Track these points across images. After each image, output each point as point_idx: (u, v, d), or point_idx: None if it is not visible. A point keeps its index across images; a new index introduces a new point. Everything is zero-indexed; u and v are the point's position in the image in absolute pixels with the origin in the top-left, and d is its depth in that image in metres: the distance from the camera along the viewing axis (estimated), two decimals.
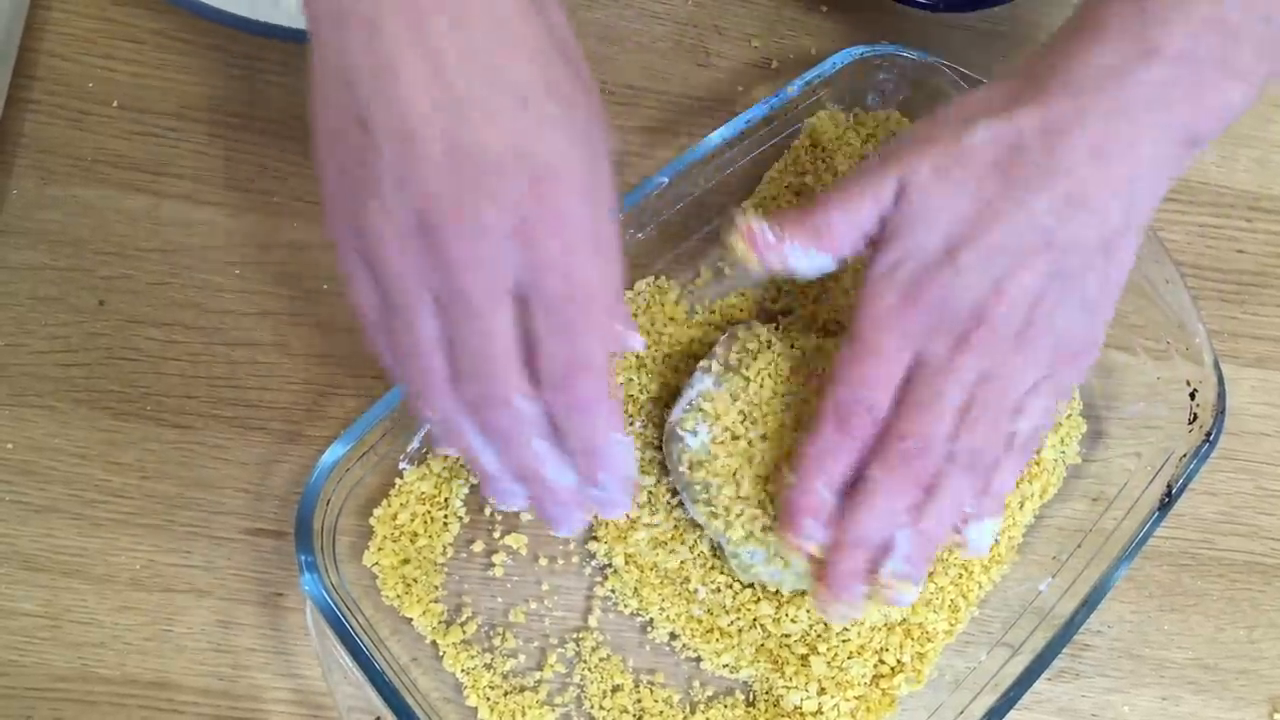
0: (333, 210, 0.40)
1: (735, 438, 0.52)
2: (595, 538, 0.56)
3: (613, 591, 0.56)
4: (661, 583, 0.55)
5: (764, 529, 0.51)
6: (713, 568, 0.55)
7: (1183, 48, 0.43)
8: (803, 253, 0.47)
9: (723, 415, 0.52)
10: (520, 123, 0.38)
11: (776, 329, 0.56)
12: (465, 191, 0.38)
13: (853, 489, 0.47)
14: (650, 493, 0.56)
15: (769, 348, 0.53)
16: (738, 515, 0.51)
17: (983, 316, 0.45)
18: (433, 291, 0.40)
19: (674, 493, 0.56)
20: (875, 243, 0.47)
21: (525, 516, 0.56)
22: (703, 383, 0.53)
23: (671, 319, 0.58)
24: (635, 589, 0.55)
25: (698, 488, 0.52)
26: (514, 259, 0.39)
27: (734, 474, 0.51)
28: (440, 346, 0.41)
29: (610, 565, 0.56)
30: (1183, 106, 0.44)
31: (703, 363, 0.54)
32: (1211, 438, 0.54)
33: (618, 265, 0.42)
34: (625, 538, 0.55)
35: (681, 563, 0.55)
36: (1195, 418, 0.55)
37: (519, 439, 0.43)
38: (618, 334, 0.43)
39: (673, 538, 0.55)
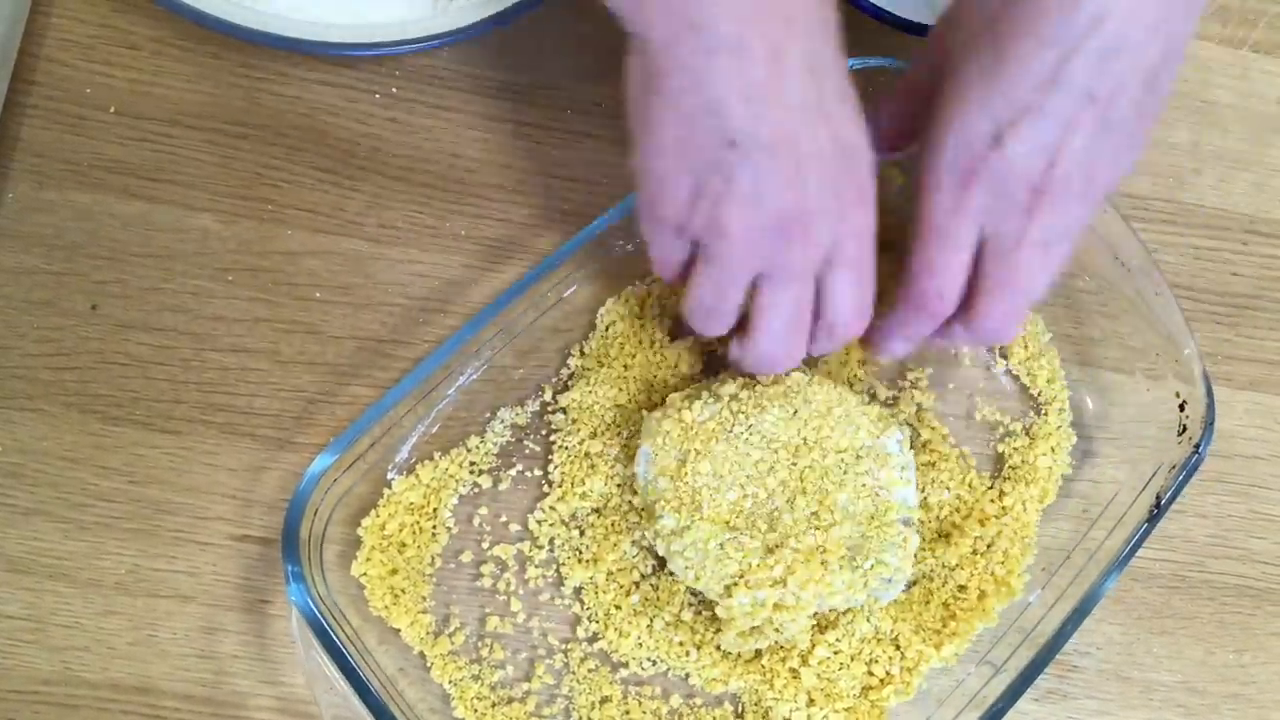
0: (673, 208, 0.46)
1: (698, 519, 0.51)
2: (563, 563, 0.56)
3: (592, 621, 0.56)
4: (637, 619, 0.55)
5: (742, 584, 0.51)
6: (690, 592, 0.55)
7: None
8: None
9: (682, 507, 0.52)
10: (843, 119, 0.46)
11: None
12: (815, 193, 0.45)
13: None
14: (614, 520, 0.56)
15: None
16: (711, 575, 0.51)
17: (1041, 186, 0.46)
18: (755, 272, 0.47)
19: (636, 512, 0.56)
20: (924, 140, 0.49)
21: (514, 527, 0.56)
22: (647, 471, 0.53)
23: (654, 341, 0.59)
24: (618, 632, 0.55)
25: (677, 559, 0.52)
26: (829, 233, 0.46)
27: (705, 543, 0.51)
28: (738, 312, 0.49)
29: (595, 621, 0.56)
30: None
31: (644, 446, 0.54)
32: (1200, 449, 0.54)
33: None
34: (598, 562, 0.55)
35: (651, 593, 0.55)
36: (1184, 429, 0.55)
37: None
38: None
39: (635, 570, 0.56)
